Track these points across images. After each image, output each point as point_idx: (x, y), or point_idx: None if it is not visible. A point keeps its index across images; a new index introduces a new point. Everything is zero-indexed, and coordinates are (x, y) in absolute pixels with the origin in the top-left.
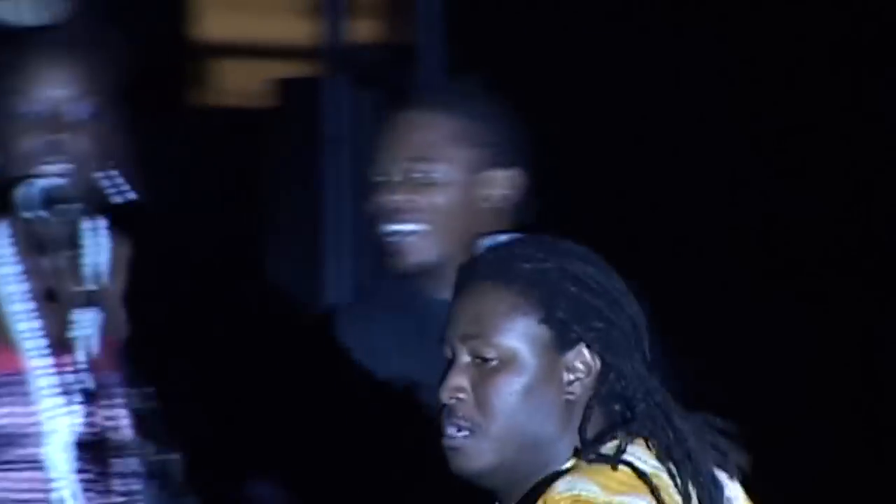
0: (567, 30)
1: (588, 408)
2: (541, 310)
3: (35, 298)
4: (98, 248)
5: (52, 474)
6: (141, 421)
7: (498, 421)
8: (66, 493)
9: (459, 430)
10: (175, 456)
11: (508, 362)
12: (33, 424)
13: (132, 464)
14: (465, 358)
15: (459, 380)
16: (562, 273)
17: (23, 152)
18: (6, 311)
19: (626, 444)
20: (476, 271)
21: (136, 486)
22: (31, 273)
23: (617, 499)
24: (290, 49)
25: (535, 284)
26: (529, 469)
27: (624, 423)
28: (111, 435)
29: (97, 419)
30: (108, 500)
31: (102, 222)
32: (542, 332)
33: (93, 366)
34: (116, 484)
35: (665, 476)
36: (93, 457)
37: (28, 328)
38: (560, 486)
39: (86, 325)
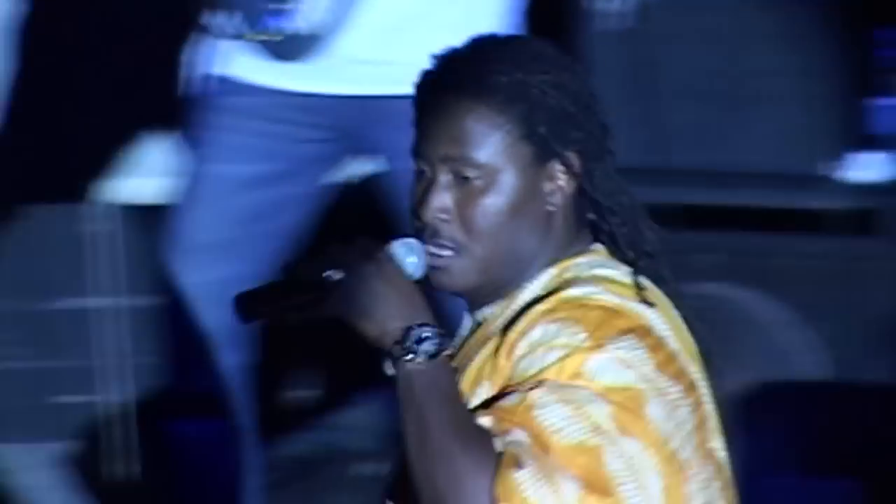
0: None
1: (565, 217)
2: (522, 125)
3: None
4: None
5: None
6: None
7: (483, 240)
8: None
9: (443, 249)
10: None
11: (492, 181)
12: None
13: None
14: (445, 177)
15: (443, 199)
16: (541, 85)
17: None
18: None
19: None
20: (448, 84)
21: None
22: None
23: (636, 306)
24: None
25: (515, 99)
26: (509, 281)
27: (597, 231)
28: None
29: None
30: None
31: None
32: (525, 146)
33: None
34: None
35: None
36: None
37: None
38: (573, 291)
39: None
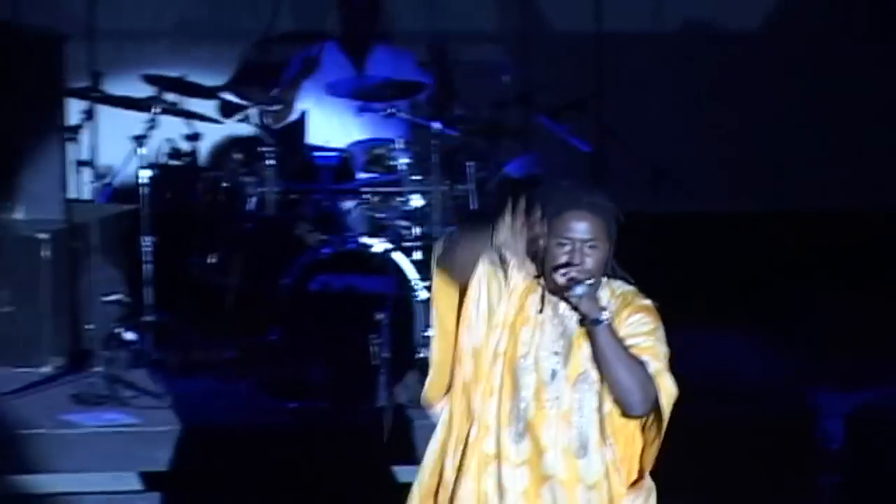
0: None
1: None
2: (610, 224)
3: None
4: None
5: None
6: None
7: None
8: None
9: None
10: None
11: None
12: None
13: None
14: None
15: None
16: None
17: None
18: None
19: None
20: (581, 203)
21: None
22: None
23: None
24: None
25: (604, 213)
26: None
27: None
28: None
29: None
30: None
31: None
32: (610, 233)
33: None
34: None
35: None
36: None
37: None
38: (615, 283)
39: None
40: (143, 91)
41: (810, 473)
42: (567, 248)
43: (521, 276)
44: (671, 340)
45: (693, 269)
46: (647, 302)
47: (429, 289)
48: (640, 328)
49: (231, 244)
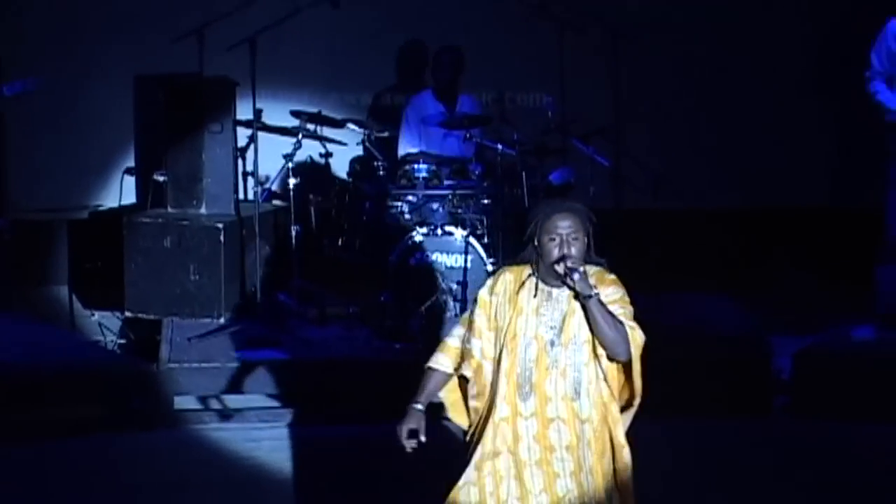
0: None
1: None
2: (585, 222)
3: None
4: None
5: None
6: None
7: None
8: None
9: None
10: None
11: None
12: None
13: None
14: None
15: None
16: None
17: None
18: None
19: None
20: (563, 206)
21: None
22: None
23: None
24: None
25: (580, 213)
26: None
27: None
28: None
29: None
30: None
31: None
32: (586, 228)
33: None
34: None
35: None
36: None
37: None
38: (590, 267)
39: None
40: (291, 122)
41: (767, 396)
42: (557, 241)
43: (501, 290)
44: (667, 304)
45: (682, 250)
46: (613, 276)
47: (494, 264)
48: (614, 296)
49: (354, 231)
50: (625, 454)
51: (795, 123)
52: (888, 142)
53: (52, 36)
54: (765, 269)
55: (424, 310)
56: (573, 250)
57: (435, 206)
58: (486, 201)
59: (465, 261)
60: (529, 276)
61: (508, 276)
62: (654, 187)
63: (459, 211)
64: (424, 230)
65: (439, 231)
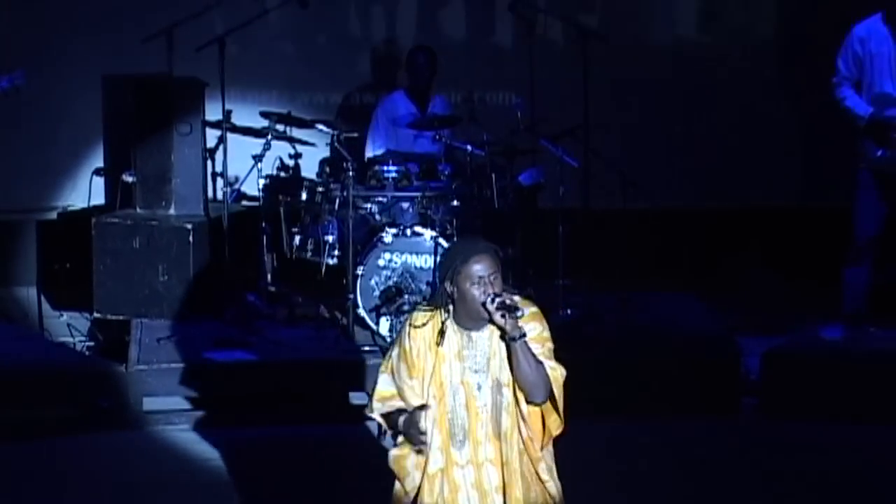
0: None
1: None
2: (497, 259)
3: None
4: None
5: None
6: None
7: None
8: None
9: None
10: None
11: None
12: None
13: None
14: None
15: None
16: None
17: None
18: None
19: None
20: (478, 249)
21: None
22: None
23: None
24: None
25: (493, 252)
26: None
27: None
28: None
29: None
30: None
31: None
32: (499, 265)
33: None
34: None
35: None
36: None
37: None
38: (517, 298)
39: None
40: (261, 123)
41: (735, 396)
42: (478, 284)
43: (419, 336)
44: (635, 304)
45: (651, 250)
46: (535, 309)
47: None
48: (534, 333)
49: (322, 232)
50: (550, 488)
51: (763, 124)
52: (857, 145)
53: (20, 36)
54: (733, 269)
55: (394, 311)
56: (496, 289)
57: (405, 206)
58: (455, 202)
59: (435, 262)
60: (444, 321)
61: (424, 322)
62: (622, 187)
63: (429, 212)
64: (394, 231)
65: (409, 232)
